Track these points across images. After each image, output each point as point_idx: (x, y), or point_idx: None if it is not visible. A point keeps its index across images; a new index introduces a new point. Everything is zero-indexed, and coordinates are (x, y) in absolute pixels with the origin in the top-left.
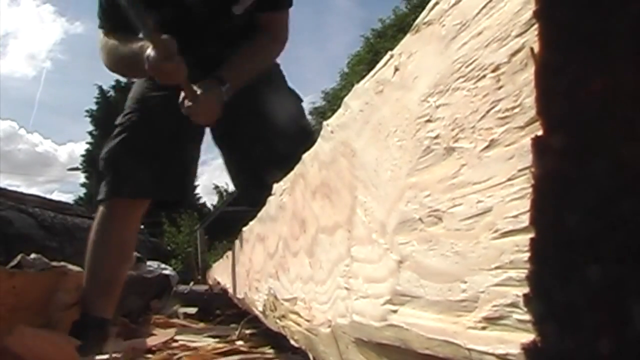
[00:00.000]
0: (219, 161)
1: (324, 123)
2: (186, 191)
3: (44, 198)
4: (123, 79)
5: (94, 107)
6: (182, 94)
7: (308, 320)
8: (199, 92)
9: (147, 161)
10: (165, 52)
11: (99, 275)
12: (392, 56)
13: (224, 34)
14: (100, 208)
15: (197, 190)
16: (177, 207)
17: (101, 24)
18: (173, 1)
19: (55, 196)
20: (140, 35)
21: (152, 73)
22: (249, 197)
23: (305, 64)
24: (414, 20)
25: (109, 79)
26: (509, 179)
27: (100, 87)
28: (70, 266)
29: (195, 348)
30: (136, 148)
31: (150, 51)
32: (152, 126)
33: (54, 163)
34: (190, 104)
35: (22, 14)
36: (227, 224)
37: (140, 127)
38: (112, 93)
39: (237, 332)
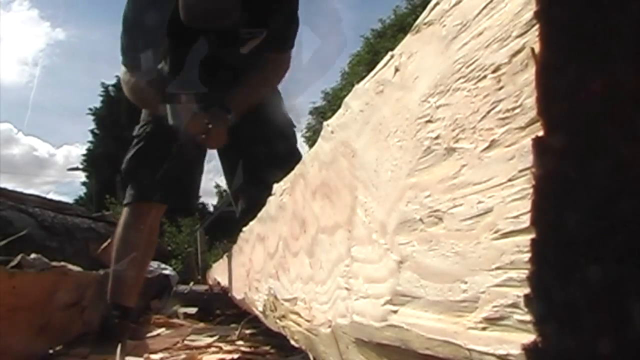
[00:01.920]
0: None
1: (324, 123)
2: (192, 198)
3: (44, 198)
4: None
5: (98, 105)
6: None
7: (308, 321)
8: (210, 125)
9: (160, 169)
10: (199, 127)
11: (125, 271)
12: (392, 56)
13: (233, 67)
14: (125, 209)
15: None
16: (185, 214)
17: (124, 61)
18: (190, 43)
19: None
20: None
21: (187, 137)
22: (243, 196)
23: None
24: (414, 20)
25: (110, 77)
26: (510, 180)
27: (105, 86)
28: (70, 266)
29: (195, 348)
30: (151, 157)
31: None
32: (164, 136)
33: (50, 165)
34: (203, 136)
35: (12, 19)
36: (227, 224)
37: (154, 137)
38: (114, 92)
39: (237, 332)
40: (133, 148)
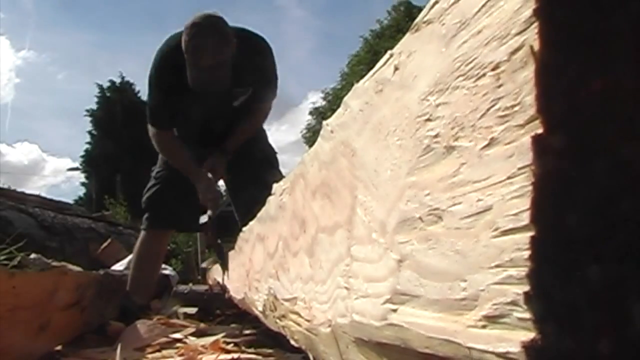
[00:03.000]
0: None
1: (324, 123)
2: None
3: (44, 198)
4: (118, 80)
5: (94, 106)
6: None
7: (308, 320)
8: (209, 175)
9: (172, 204)
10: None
11: (140, 276)
12: (391, 55)
13: (227, 117)
14: (142, 232)
15: None
16: (192, 231)
17: (152, 122)
18: (191, 100)
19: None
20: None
21: (203, 198)
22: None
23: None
24: (412, 20)
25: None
26: (509, 178)
27: (100, 87)
28: (70, 266)
29: (195, 348)
30: (166, 195)
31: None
32: (176, 179)
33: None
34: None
35: None
36: (227, 224)
37: (168, 179)
38: (110, 93)
39: (237, 332)
40: (152, 188)
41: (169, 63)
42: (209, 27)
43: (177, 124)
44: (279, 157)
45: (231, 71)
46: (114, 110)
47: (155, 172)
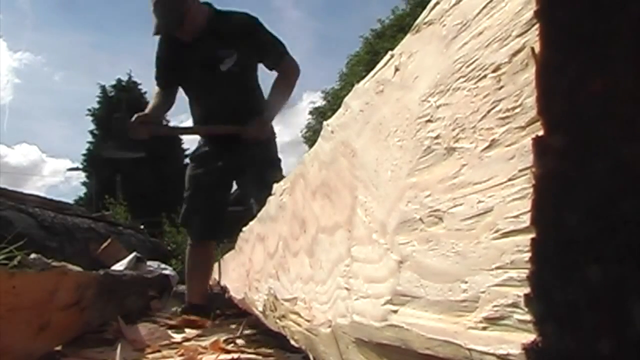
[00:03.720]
0: None
1: (324, 123)
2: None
3: (44, 198)
4: (124, 78)
5: (96, 105)
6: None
7: (308, 320)
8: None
9: (200, 219)
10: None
11: (195, 281)
12: (392, 56)
13: (225, 83)
14: (189, 245)
15: None
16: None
17: (156, 81)
18: (186, 72)
19: None
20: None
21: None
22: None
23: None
24: (414, 20)
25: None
26: (510, 179)
27: (102, 87)
28: (70, 266)
29: (195, 348)
30: (193, 213)
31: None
32: (199, 194)
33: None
34: (246, 134)
35: None
36: (227, 224)
37: (194, 196)
38: (113, 92)
39: (237, 332)
40: (184, 205)
41: (168, 36)
42: None
43: (191, 111)
44: None
45: (199, 25)
46: (118, 109)
47: (185, 192)
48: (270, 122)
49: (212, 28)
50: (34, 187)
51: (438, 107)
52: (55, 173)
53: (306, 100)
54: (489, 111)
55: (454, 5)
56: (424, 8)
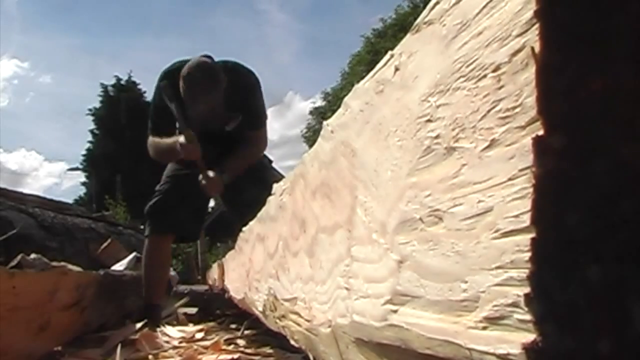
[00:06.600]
0: None
1: (324, 123)
2: (197, 231)
3: (44, 198)
4: (124, 78)
5: (94, 105)
6: (200, 175)
7: (308, 320)
8: (210, 174)
9: (173, 212)
10: (189, 138)
11: (152, 279)
12: (392, 56)
13: (224, 140)
14: (147, 240)
15: None
16: (190, 241)
17: (150, 132)
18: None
19: None
20: (173, 135)
21: (181, 150)
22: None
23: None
24: (415, 19)
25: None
26: (510, 179)
27: (104, 86)
28: (70, 266)
29: (195, 348)
30: (167, 205)
31: (181, 138)
32: (178, 191)
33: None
34: (204, 182)
35: None
36: (227, 224)
37: (169, 191)
38: (114, 92)
39: (238, 333)
40: (154, 198)
41: (171, 81)
42: (201, 76)
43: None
44: None
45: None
46: (117, 109)
47: (158, 187)
48: (228, 183)
49: (225, 94)
50: (32, 189)
51: (438, 107)
52: (51, 176)
53: (290, 99)
54: (489, 111)
55: (454, 5)
56: (424, 7)
